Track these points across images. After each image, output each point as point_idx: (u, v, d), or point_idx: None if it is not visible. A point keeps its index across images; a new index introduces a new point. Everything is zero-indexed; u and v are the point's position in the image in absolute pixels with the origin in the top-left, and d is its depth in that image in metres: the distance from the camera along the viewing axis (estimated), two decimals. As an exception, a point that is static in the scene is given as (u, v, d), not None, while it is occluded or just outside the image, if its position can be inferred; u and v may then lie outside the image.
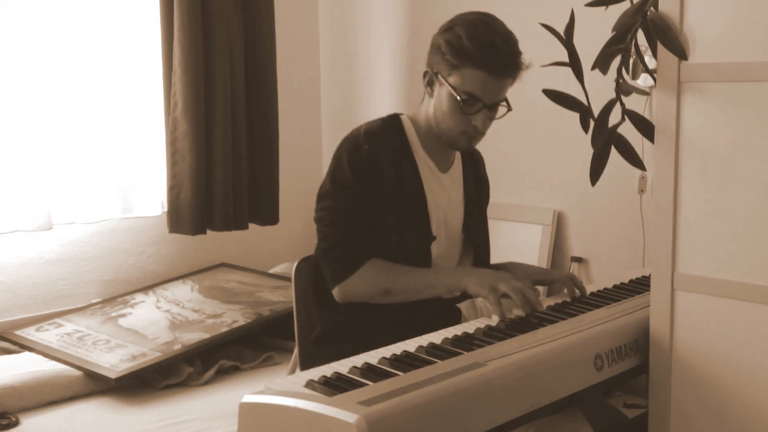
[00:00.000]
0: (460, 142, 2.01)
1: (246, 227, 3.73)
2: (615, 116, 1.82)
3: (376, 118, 2.10)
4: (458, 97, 1.93)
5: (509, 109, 2.00)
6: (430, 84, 2.01)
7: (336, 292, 1.99)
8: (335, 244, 1.99)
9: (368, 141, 1.99)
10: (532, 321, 1.85)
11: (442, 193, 2.07)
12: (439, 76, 1.97)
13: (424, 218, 2.02)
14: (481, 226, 2.20)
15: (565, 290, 2.08)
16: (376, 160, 1.97)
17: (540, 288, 2.14)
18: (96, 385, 2.95)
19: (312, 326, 2.09)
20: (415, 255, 2.01)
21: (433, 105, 2.01)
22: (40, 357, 3.07)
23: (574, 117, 1.88)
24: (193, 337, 3.16)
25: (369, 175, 1.97)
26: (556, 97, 1.88)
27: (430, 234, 2.02)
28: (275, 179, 3.79)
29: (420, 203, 2.01)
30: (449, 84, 1.94)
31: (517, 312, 1.87)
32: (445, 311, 2.04)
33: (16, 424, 2.70)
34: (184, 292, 3.61)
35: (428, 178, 2.05)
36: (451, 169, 2.12)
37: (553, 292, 2.11)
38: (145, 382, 2.99)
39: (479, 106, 1.95)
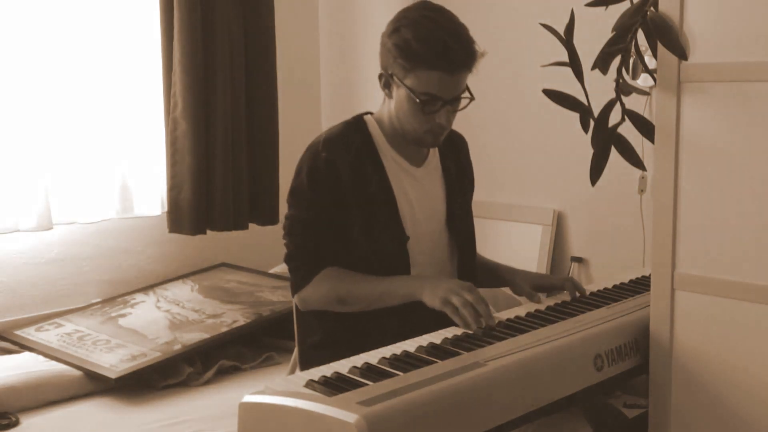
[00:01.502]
0: (427, 140, 1.98)
1: (246, 227, 3.73)
2: (615, 116, 1.82)
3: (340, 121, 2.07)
4: (417, 99, 1.90)
5: (472, 98, 1.96)
6: (387, 86, 1.97)
7: (296, 300, 2.01)
8: (292, 254, 2.00)
9: (327, 148, 1.96)
10: (532, 321, 1.85)
11: (417, 188, 2.04)
12: (394, 78, 1.93)
13: (394, 218, 1.98)
14: (465, 220, 2.15)
15: (566, 294, 2.06)
16: (335, 167, 1.94)
17: (541, 294, 2.10)
18: (96, 385, 2.95)
19: (311, 331, 2.09)
20: (390, 257, 1.98)
21: (393, 107, 1.97)
22: (40, 357, 3.07)
23: (574, 117, 1.88)
24: (193, 337, 3.16)
25: (328, 183, 1.94)
26: (556, 97, 1.87)
27: (404, 234, 1.98)
28: (275, 179, 3.80)
29: (389, 204, 1.98)
30: (406, 86, 1.90)
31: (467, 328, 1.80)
32: (446, 318, 2.00)
33: (16, 424, 2.70)
34: (184, 292, 3.61)
35: (398, 176, 2.01)
36: (426, 161, 2.07)
37: (553, 296, 2.11)
38: (145, 382, 3.00)
39: (439, 105, 1.91)
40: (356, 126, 2.03)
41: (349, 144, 1.98)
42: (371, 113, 2.09)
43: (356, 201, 1.95)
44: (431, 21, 1.90)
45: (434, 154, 2.10)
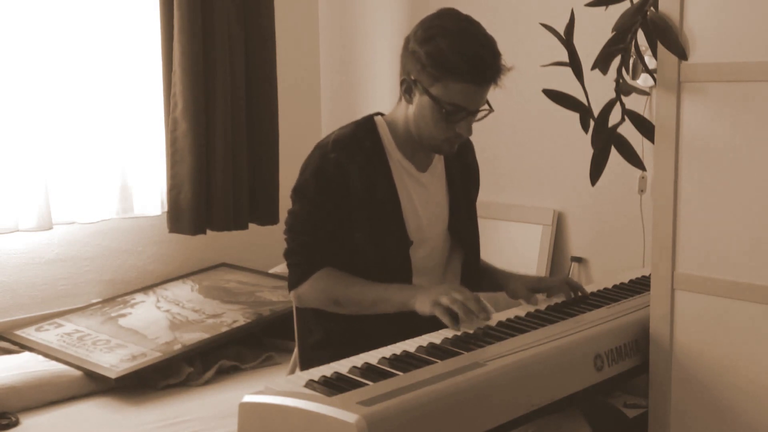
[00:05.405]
0: (444, 148, 1.98)
1: (246, 227, 3.73)
2: (615, 116, 1.82)
3: (350, 121, 2.06)
4: (443, 109, 1.89)
5: (491, 110, 1.96)
6: (408, 92, 1.95)
7: (292, 296, 2.02)
8: (292, 250, 2.00)
9: (336, 149, 1.95)
10: (532, 321, 1.85)
11: (422, 193, 2.03)
12: (419, 85, 1.91)
13: (398, 223, 1.97)
14: (469, 224, 2.14)
15: (563, 296, 2.05)
16: (343, 168, 1.93)
17: (540, 295, 2.09)
18: (96, 385, 2.95)
19: (311, 331, 2.09)
20: (393, 261, 1.97)
21: (413, 113, 1.95)
22: (40, 357, 3.07)
23: (574, 117, 1.88)
24: (193, 337, 3.16)
25: (334, 185, 1.94)
26: (556, 97, 1.87)
27: (407, 239, 1.98)
28: (275, 179, 3.80)
29: (394, 208, 1.97)
30: (431, 95, 1.89)
31: (466, 327, 1.80)
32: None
33: (16, 424, 2.70)
34: (184, 292, 3.61)
35: (404, 181, 2.00)
36: (432, 166, 2.07)
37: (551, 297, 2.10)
38: (145, 382, 3.00)
39: (463, 115, 1.91)
40: (366, 128, 2.02)
41: (360, 146, 1.97)
42: (381, 114, 2.07)
43: (362, 204, 1.95)
44: (468, 33, 1.89)
45: (439, 160, 2.09)
